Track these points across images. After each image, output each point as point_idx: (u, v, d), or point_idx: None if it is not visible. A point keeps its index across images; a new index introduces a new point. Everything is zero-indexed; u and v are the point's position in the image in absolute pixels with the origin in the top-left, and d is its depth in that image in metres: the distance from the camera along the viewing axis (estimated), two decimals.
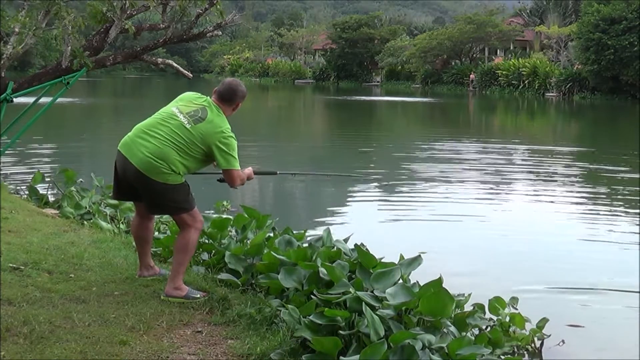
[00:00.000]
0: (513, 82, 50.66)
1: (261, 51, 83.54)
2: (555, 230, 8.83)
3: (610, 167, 14.81)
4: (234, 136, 4.30)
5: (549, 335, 4.76)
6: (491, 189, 12.25)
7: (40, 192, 7.82)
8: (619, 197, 11.51)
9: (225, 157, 4.26)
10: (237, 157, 4.32)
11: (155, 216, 5.09)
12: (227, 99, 4.40)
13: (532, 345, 4.71)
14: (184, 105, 4.32)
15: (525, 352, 4.65)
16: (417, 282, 4.15)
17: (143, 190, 4.25)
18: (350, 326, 3.63)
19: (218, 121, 4.27)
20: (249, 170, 4.66)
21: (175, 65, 8.83)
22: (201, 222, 4.40)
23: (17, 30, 7.83)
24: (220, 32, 8.99)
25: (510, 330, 4.71)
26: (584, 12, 44.39)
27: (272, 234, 5.47)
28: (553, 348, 4.75)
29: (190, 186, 4.36)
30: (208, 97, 4.41)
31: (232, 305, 4.13)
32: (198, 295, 4.23)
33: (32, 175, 8.24)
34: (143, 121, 4.34)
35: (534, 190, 12.29)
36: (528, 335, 4.68)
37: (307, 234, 5.46)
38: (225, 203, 8.21)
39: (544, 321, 4.75)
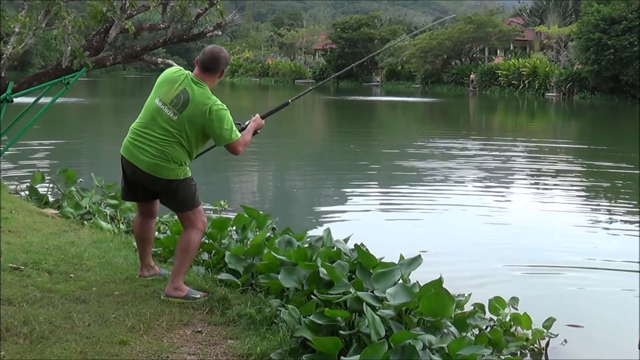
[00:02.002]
0: (513, 82, 50.67)
1: (261, 51, 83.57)
2: (558, 226, 8.84)
3: (609, 164, 14.85)
4: (223, 106, 4.15)
5: (557, 335, 4.76)
6: (492, 187, 12.26)
7: (40, 192, 7.81)
8: (619, 191, 11.56)
9: (220, 134, 4.15)
10: (231, 126, 4.18)
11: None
12: (211, 67, 4.23)
13: (536, 345, 4.71)
14: (165, 92, 4.19)
15: (528, 353, 4.65)
16: (417, 282, 4.15)
17: (157, 188, 4.27)
18: (351, 326, 3.63)
19: (201, 99, 4.13)
20: (254, 122, 4.50)
21: (175, 65, 8.82)
22: (204, 223, 4.37)
23: (17, 30, 7.82)
24: (220, 32, 8.99)
25: (515, 330, 4.70)
26: (584, 12, 44.39)
27: (272, 234, 5.47)
28: (554, 348, 4.75)
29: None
30: (188, 73, 4.25)
31: (232, 305, 4.13)
32: (198, 296, 4.22)
33: (32, 175, 8.24)
34: (136, 120, 4.29)
35: (535, 188, 12.33)
36: (534, 335, 4.68)
37: (307, 234, 5.45)
38: (222, 203, 8.22)
39: (550, 321, 4.75)
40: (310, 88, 7.38)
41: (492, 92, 52.03)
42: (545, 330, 4.74)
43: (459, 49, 60.88)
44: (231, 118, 4.20)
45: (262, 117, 4.61)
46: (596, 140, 22.29)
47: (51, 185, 8.24)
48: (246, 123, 4.49)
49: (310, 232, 5.89)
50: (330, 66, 71.43)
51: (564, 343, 4.80)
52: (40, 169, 9.73)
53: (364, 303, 3.56)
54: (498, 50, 62.28)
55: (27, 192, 8.02)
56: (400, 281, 4.08)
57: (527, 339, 4.67)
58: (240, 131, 4.35)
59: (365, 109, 37.88)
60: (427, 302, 3.62)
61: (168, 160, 4.14)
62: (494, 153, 17.04)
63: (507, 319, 4.75)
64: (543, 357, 4.66)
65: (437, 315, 3.66)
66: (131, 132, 4.28)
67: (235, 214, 5.85)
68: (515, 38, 61.04)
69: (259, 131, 4.57)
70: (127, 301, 4.09)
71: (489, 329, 4.42)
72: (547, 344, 4.73)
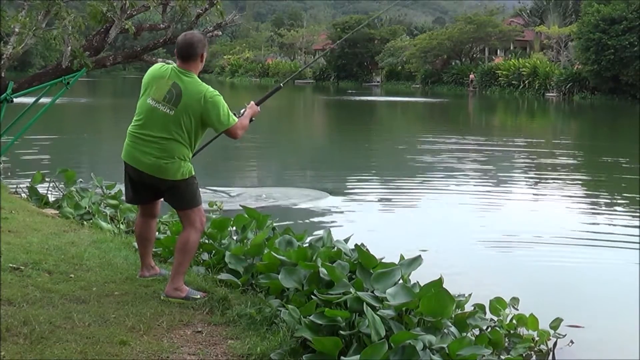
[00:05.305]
0: (513, 82, 50.65)
1: (261, 51, 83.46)
2: (558, 222, 8.83)
3: (609, 159, 14.91)
4: (216, 93, 4.17)
5: (564, 335, 4.74)
6: (492, 186, 12.25)
7: (40, 192, 7.81)
8: (618, 183, 11.64)
9: (218, 120, 4.15)
10: (227, 111, 4.19)
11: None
12: (189, 54, 4.21)
13: (542, 346, 4.69)
14: (155, 90, 4.19)
15: (533, 354, 4.64)
16: (418, 282, 4.15)
17: (163, 188, 4.27)
18: (351, 326, 3.63)
19: (194, 88, 4.14)
20: (250, 109, 4.51)
21: (175, 65, 8.81)
22: (202, 223, 4.37)
23: (17, 30, 7.83)
24: (221, 32, 8.99)
25: (520, 331, 4.69)
26: (584, 12, 44.38)
27: (272, 234, 5.46)
28: (560, 349, 4.74)
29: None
30: (172, 66, 4.25)
31: (232, 305, 4.12)
32: (198, 296, 4.21)
33: (32, 175, 8.24)
34: (132, 124, 4.28)
35: (536, 183, 12.37)
36: (541, 336, 4.66)
37: (307, 234, 5.45)
38: (218, 203, 8.21)
39: (557, 321, 4.73)
40: (300, 69, 7.42)
41: (492, 92, 52.04)
42: (552, 331, 4.72)
43: (459, 49, 60.86)
44: (226, 104, 4.21)
45: (257, 104, 4.64)
46: (596, 138, 22.33)
47: (51, 185, 8.24)
48: (242, 111, 4.51)
49: (311, 233, 5.89)
50: (331, 66, 71.43)
51: (570, 344, 4.79)
52: (40, 169, 9.73)
53: (364, 303, 3.56)
54: (498, 51, 62.26)
55: (27, 192, 8.01)
56: (401, 281, 4.07)
57: (533, 340, 4.66)
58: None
59: (365, 108, 37.86)
60: (427, 302, 3.62)
61: (172, 157, 4.13)
62: (495, 152, 17.05)
63: (509, 319, 4.74)
64: (550, 358, 4.64)
65: (437, 315, 3.65)
66: (130, 136, 4.26)
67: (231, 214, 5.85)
68: (515, 38, 61.00)
69: (253, 119, 4.59)
70: (127, 301, 4.09)
71: (489, 329, 4.42)
72: (555, 344, 4.71)
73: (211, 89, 4.17)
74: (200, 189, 4.40)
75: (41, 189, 7.94)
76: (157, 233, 5.47)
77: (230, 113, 4.24)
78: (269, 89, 4.99)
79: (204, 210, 4.56)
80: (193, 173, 4.26)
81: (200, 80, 4.20)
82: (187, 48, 4.21)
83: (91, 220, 6.63)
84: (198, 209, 4.31)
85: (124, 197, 5.59)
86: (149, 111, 4.19)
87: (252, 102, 4.60)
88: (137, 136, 4.22)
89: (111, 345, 3.45)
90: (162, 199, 4.48)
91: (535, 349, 4.67)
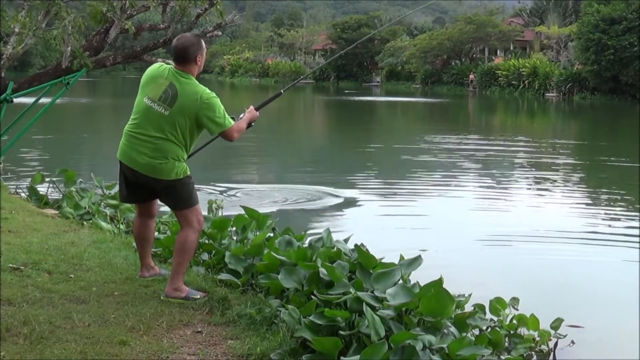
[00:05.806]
0: (513, 82, 50.61)
1: (261, 51, 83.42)
2: (559, 225, 8.83)
3: (609, 158, 14.92)
4: (213, 94, 4.18)
5: (565, 335, 4.74)
6: (492, 186, 12.26)
7: (40, 192, 7.80)
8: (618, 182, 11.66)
9: (214, 121, 4.16)
10: (224, 113, 4.19)
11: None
12: (184, 58, 4.22)
13: (543, 346, 4.69)
14: (152, 89, 4.19)
15: (534, 354, 4.64)
16: (418, 282, 4.15)
17: (158, 187, 4.27)
18: (351, 326, 3.63)
19: (190, 88, 4.15)
20: (249, 113, 4.51)
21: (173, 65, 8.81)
22: (199, 222, 4.37)
23: (17, 30, 7.83)
24: (220, 32, 8.99)
25: (520, 331, 4.69)
26: (584, 12, 44.35)
27: (272, 234, 5.46)
28: (561, 349, 4.73)
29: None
30: (171, 67, 4.26)
31: (232, 305, 4.12)
32: (198, 296, 4.21)
33: (32, 176, 8.24)
34: (129, 122, 4.28)
35: (535, 186, 12.33)
36: (541, 336, 4.66)
37: (307, 234, 5.45)
38: (217, 202, 8.21)
39: (558, 321, 4.73)
40: (301, 77, 7.44)
41: (492, 93, 52.02)
42: (552, 331, 4.72)
43: (459, 49, 60.85)
44: (222, 106, 4.21)
45: (257, 109, 4.63)
46: (596, 138, 22.33)
47: (51, 185, 8.24)
48: (241, 115, 4.50)
49: (310, 233, 5.88)
50: (330, 66, 71.40)
51: (571, 344, 4.79)
52: (40, 169, 9.73)
53: (364, 303, 3.56)
54: (498, 51, 62.23)
55: (27, 192, 8.01)
56: (400, 281, 4.07)
57: (534, 340, 4.66)
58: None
59: (365, 109, 37.85)
60: (427, 302, 3.62)
61: (166, 157, 4.13)
62: (495, 153, 17.04)
63: (509, 319, 4.74)
64: (550, 358, 4.64)
65: (437, 315, 3.65)
66: (125, 136, 4.27)
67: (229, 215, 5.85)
68: (515, 38, 60.95)
69: (252, 124, 4.59)
70: (127, 301, 4.09)
71: (489, 329, 4.41)
72: (555, 345, 4.71)
73: (208, 90, 4.18)
74: (201, 188, 4.40)
75: (41, 189, 7.94)
76: (157, 233, 5.49)
77: (227, 115, 4.23)
78: (269, 90, 5.01)
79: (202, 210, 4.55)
80: (188, 173, 4.25)
81: (197, 82, 4.21)
82: (181, 52, 4.23)
83: (91, 221, 6.64)
84: (195, 208, 4.31)
85: None
86: (145, 110, 4.19)
87: (251, 107, 4.60)
88: (132, 135, 4.22)
89: (111, 345, 3.45)
90: (158, 199, 4.48)
91: (536, 349, 4.67)
